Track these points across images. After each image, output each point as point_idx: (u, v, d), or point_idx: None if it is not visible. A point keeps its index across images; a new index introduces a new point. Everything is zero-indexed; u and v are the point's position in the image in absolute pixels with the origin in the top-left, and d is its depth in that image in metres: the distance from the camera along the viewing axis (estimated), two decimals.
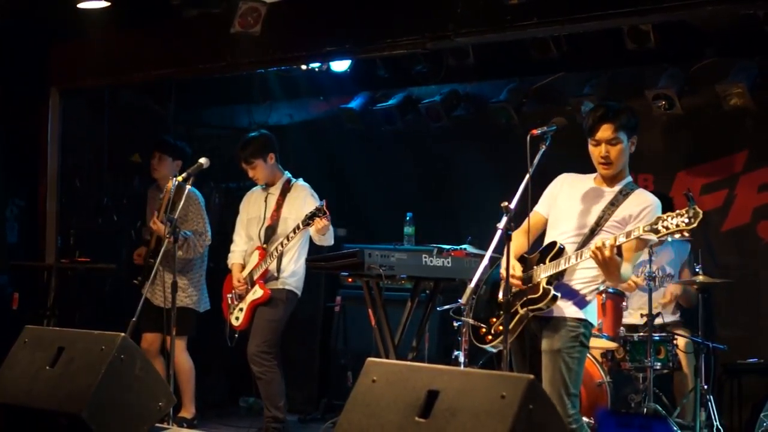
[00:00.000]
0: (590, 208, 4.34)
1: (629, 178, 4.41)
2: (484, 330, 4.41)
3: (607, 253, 4.02)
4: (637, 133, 4.39)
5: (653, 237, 3.95)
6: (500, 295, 4.30)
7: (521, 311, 4.27)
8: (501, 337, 4.26)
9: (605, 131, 4.29)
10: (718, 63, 6.57)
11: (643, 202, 4.27)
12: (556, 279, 4.27)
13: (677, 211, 3.86)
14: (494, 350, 4.55)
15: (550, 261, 4.27)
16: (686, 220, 3.81)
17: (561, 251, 4.27)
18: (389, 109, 7.75)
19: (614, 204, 4.29)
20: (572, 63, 6.88)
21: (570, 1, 5.48)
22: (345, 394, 3.61)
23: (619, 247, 4.12)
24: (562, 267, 4.23)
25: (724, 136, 6.69)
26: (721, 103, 6.44)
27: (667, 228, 3.86)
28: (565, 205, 4.43)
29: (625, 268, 4.20)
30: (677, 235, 3.93)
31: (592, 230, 4.27)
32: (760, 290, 6.51)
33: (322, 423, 6.76)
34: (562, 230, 4.37)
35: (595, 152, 4.33)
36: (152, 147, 6.85)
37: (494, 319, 4.38)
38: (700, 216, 3.79)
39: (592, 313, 4.37)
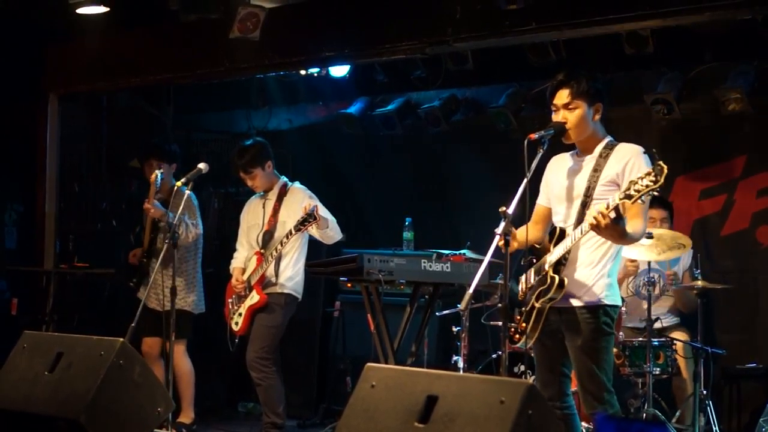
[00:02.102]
0: (575, 182, 4.29)
1: (607, 139, 4.32)
2: (513, 330, 4.37)
3: (603, 220, 3.92)
4: (603, 101, 4.31)
5: (628, 203, 3.90)
6: (519, 292, 4.32)
7: (537, 305, 4.22)
8: (525, 335, 4.25)
9: (561, 96, 4.28)
10: (716, 68, 6.57)
11: (624, 156, 4.19)
12: (562, 264, 4.21)
13: (646, 171, 3.85)
14: (524, 348, 4.53)
15: (554, 246, 4.25)
16: (653, 179, 3.81)
17: (563, 234, 4.24)
18: (388, 114, 7.75)
19: (597, 169, 4.23)
20: (571, 68, 6.87)
21: (569, 6, 5.50)
22: (344, 400, 3.62)
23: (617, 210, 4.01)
24: (565, 248, 4.18)
25: (722, 141, 6.69)
26: (719, 107, 6.44)
27: (638, 191, 3.85)
28: (555, 188, 4.40)
29: (634, 226, 4.11)
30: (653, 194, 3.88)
31: (583, 203, 4.21)
32: (759, 295, 6.50)
33: (321, 428, 6.74)
34: (559, 213, 4.36)
35: (555, 119, 4.30)
36: (144, 154, 6.74)
37: (518, 317, 4.36)
38: (665, 171, 3.79)
39: (611, 296, 4.25)
